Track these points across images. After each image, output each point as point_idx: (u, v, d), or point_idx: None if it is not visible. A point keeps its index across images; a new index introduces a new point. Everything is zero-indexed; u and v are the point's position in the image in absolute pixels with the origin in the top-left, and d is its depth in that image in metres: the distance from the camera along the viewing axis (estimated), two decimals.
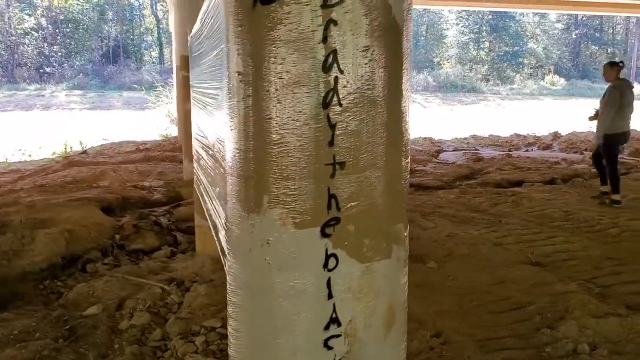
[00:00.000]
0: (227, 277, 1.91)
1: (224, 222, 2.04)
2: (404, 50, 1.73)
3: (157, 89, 17.26)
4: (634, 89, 6.80)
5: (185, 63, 6.89)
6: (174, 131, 13.52)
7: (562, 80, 45.76)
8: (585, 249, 4.28)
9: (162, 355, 3.01)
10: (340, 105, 1.62)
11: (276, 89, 1.63)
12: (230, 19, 1.76)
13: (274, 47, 1.63)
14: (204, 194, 3.23)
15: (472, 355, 2.70)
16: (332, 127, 1.63)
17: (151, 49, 48.94)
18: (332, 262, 1.69)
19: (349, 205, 1.68)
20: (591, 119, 7.00)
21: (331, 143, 1.64)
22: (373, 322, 1.78)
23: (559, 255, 4.16)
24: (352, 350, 1.75)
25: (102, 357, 2.95)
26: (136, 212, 5.64)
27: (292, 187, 1.66)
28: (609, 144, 6.62)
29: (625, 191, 6.70)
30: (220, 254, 2.16)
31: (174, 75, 15.47)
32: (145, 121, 16.78)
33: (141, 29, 49.02)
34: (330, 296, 1.70)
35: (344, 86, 1.62)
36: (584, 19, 51.87)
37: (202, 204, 3.29)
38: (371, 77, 1.64)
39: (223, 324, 3.26)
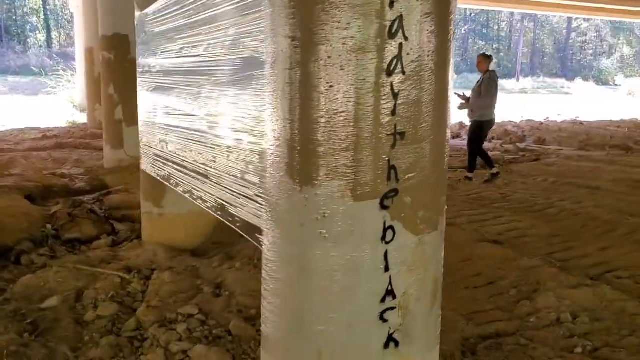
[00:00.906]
0: (267, 254, 1.82)
1: (258, 198, 1.94)
2: (452, 20, 1.72)
3: (58, 74, 16.10)
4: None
5: (110, 44, 6.48)
6: (80, 118, 12.70)
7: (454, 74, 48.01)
8: (533, 228, 4.51)
9: (140, 345, 2.85)
10: (404, 73, 1.58)
11: (339, 55, 1.56)
12: None
13: (338, 11, 1.55)
14: (175, 177, 3.07)
15: (466, 328, 2.77)
16: (395, 96, 1.58)
17: (37, 32, 45.67)
18: (389, 235, 1.65)
19: (407, 176, 1.64)
20: (463, 105, 7.23)
21: (393, 112, 1.59)
22: (423, 294, 1.76)
23: (511, 233, 4.35)
24: (404, 323, 1.72)
25: (73, 350, 2.74)
26: (68, 200, 5.26)
27: (353, 158, 1.59)
28: (481, 129, 7.16)
29: (544, 176, 7.17)
30: (244, 233, 2.06)
31: (77, 59, 14.55)
32: (42, 107, 15.63)
33: (25, 10, 45.58)
34: (387, 269, 1.66)
35: (408, 53, 1.57)
36: (472, 14, 54.49)
37: (176, 188, 3.12)
38: (430, 45, 1.61)
39: (200, 311, 3.14)
